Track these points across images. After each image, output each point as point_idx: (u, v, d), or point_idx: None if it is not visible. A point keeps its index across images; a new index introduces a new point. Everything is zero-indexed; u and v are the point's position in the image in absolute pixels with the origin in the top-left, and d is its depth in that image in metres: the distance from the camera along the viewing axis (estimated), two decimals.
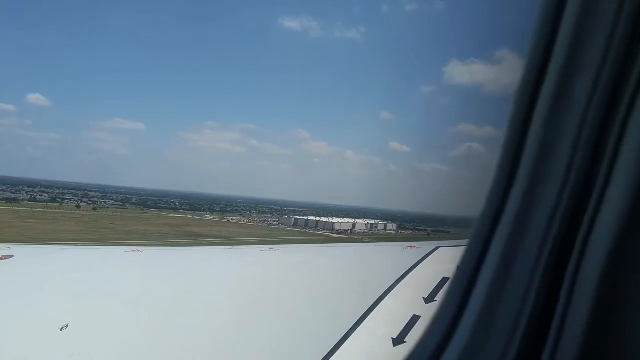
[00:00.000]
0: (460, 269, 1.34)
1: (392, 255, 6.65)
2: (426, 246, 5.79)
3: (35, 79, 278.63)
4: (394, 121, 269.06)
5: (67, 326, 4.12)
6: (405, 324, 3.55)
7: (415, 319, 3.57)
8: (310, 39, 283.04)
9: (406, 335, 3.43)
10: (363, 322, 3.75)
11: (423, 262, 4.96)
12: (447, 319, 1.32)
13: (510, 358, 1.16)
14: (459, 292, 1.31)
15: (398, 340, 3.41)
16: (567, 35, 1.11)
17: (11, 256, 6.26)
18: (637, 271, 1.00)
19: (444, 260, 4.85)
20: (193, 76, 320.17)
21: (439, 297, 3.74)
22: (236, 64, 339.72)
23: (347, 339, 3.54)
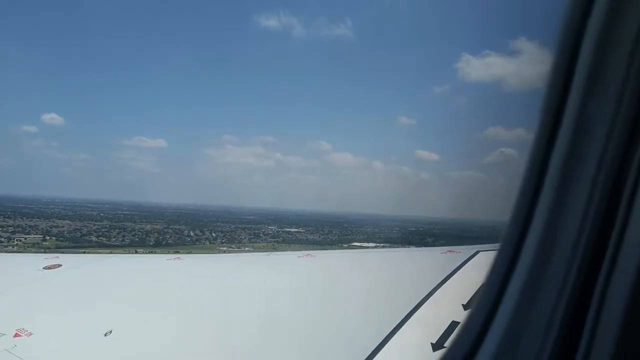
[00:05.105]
0: (490, 276, 1.32)
1: (432, 261, 6.53)
2: (466, 251, 5.65)
3: (46, 97, 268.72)
4: (416, 127, 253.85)
5: (110, 332, 4.24)
6: (444, 330, 3.49)
7: (454, 325, 3.49)
8: (295, 39, 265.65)
9: (445, 340, 3.37)
10: (402, 328, 3.70)
11: (463, 268, 4.85)
12: (476, 327, 1.30)
13: None
14: (489, 299, 1.29)
15: (437, 346, 3.35)
16: (595, 32, 1.08)
17: (59, 265, 6.53)
18: None
19: (485, 265, 4.72)
20: (202, 89, 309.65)
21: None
22: (237, 74, 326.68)
23: (385, 344, 3.50)
